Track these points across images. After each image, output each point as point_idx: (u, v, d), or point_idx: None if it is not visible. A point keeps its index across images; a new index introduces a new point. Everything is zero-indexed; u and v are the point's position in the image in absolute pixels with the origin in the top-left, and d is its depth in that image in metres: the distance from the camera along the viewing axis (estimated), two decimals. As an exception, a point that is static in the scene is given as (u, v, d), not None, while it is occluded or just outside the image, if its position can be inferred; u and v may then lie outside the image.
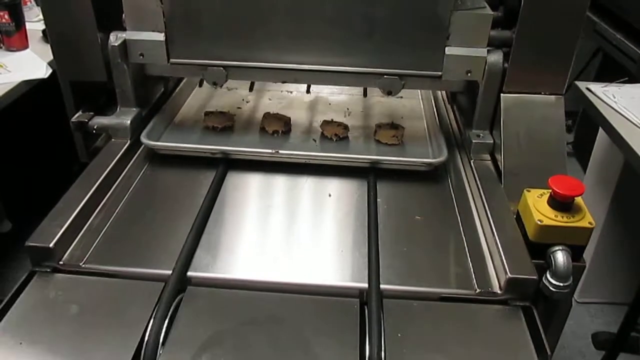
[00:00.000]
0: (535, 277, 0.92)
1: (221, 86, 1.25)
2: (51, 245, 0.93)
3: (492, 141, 1.23)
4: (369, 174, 1.19)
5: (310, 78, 1.25)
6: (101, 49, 1.21)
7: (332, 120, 1.33)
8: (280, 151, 1.18)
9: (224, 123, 1.32)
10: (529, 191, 1.05)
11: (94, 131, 1.24)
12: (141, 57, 1.21)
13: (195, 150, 1.21)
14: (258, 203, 1.14)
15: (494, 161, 1.22)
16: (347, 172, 1.21)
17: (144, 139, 1.20)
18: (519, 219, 1.06)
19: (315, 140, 1.30)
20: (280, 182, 1.19)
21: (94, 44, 1.21)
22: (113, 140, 1.24)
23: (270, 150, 1.19)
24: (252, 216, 1.10)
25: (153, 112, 1.35)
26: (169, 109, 1.39)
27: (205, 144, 1.23)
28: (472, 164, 1.21)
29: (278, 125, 1.30)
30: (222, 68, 1.23)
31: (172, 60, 1.22)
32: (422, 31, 1.16)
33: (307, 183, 1.19)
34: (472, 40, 1.17)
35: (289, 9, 1.15)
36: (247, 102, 1.50)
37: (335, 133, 1.29)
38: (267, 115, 1.33)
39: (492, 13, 1.15)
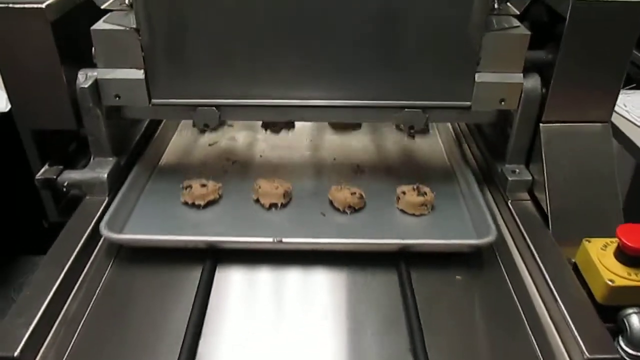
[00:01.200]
0: (617, 356, 0.76)
1: (214, 128, 1.06)
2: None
3: (530, 178, 1.07)
4: (398, 260, 0.95)
5: (320, 115, 1.07)
6: (68, 91, 1.01)
7: (342, 187, 1.08)
8: (285, 239, 0.93)
9: (208, 198, 1.07)
10: (589, 241, 0.89)
11: (64, 188, 1.03)
12: (117, 99, 1.02)
13: (174, 243, 0.96)
14: (259, 309, 0.88)
15: (534, 201, 1.06)
16: (368, 258, 0.97)
17: (105, 230, 0.93)
18: (576, 272, 0.90)
19: (324, 214, 1.06)
20: (285, 276, 0.94)
21: (58, 84, 1.00)
22: (88, 197, 1.04)
23: (270, 240, 0.93)
24: (251, 328, 0.85)
25: (133, 158, 1.16)
26: (142, 165, 1.15)
27: (186, 234, 0.98)
28: (510, 205, 1.05)
29: (276, 197, 1.06)
30: (214, 107, 1.04)
31: (154, 101, 1.03)
32: (448, 56, 1.00)
33: (319, 275, 0.94)
34: (505, 65, 1.01)
35: (292, 35, 0.97)
36: (234, 162, 1.23)
37: (349, 205, 1.05)
38: (262, 185, 1.08)
39: (529, 33, 0.99)
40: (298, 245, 0.94)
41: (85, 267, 0.92)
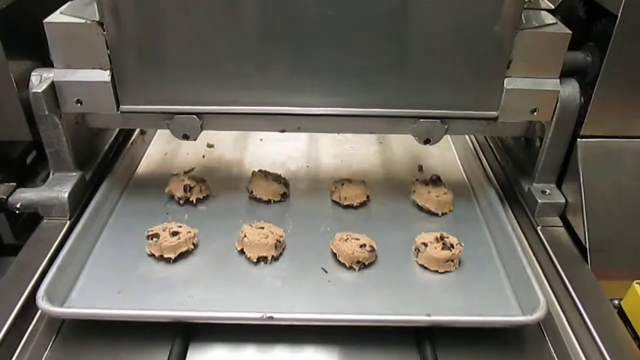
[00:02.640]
0: None
1: (195, 139, 0.90)
2: None
3: (563, 200, 0.92)
4: (421, 339, 0.75)
5: (320, 125, 0.92)
6: (18, 95, 0.85)
7: (348, 236, 0.87)
8: (277, 315, 0.73)
9: (180, 250, 0.86)
10: (640, 285, 0.76)
11: (17, 210, 0.87)
12: (79, 105, 0.86)
13: (132, 317, 0.75)
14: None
15: (568, 227, 0.91)
16: (382, 332, 0.77)
17: (42, 302, 0.72)
18: (621, 316, 0.77)
19: (325, 271, 0.85)
20: (276, 357, 0.75)
21: (5, 87, 0.84)
22: (45, 221, 0.88)
23: (257, 315, 0.73)
24: None
25: (101, 172, 0.99)
26: (102, 197, 0.93)
27: (150, 302, 0.78)
28: (539, 232, 0.90)
29: (265, 249, 0.86)
30: (194, 115, 0.88)
31: (122, 107, 0.87)
32: (473, 58, 0.85)
33: (321, 356, 0.75)
34: (540, 69, 0.86)
35: (288, 29, 0.82)
36: (214, 196, 1.02)
37: (357, 260, 0.85)
38: (248, 233, 0.87)
39: (569, 32, 0.84)
40: (294, 322, 0.74)
41: (19, 344, 0.72)
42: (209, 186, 1.02)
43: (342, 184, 1.01)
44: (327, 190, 1.04)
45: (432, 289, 0.84)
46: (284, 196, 1.02)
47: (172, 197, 1.00)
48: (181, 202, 0.99)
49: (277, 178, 1.02)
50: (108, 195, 0.96)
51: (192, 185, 0.98)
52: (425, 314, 0.74)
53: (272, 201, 1.00)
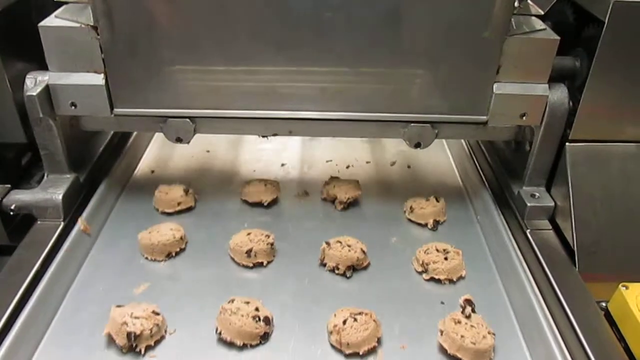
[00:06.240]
0: None
1: (188, 143, 0.91)
2: None
3: (552, 204, 0.93)
4: None
5: (311, 129, 0.93)
6: (13, 98, 0.86)
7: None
8: None
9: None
10: (626, 287, 0.77)
11: (11, 212, 0.88)
12: (73, 108, 0.87)
13: None
14: None
15: (557, 230, 0.92)
16: None
17: None
18: (608, 319, 0.78)
19: None
20: None
21: (1, 89, 0.85)
22: (39, 222, 0.89)
23: None
24: None
25: (95, 174, 1.00)
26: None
27: None
28: (528, 235, 0.91)
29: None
30: (187, 119, 0.89)
31: (116, 110, 0.88)
32: (463, 63, 0.86)
33: None
34: (529, 74, 0.87)
35: (281, 36, 0.83)
36: (172, 332, 0.78)
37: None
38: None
39: (558, 38, 0.85)
40: None
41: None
42: (163, 322, 0.76)
43: (344, 322, 0.75)
44: (325, 332, 0.78)
45: None
46: (265, 337, 0.77)
47: (112, 340, 0.74)
48: (124, 350, 0.74)
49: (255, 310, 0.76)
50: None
51: (137, 332, 0.72)
52: None
53: (248, 345, 0.75)
